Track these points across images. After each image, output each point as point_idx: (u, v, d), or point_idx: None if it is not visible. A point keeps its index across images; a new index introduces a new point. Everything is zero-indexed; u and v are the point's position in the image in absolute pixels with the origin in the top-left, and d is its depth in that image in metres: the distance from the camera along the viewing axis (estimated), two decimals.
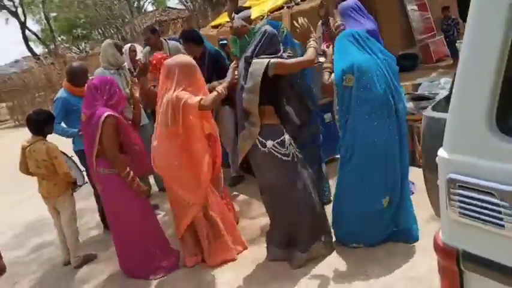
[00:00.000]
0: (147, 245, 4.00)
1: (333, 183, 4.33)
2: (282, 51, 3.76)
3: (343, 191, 3.66)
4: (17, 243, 5.74)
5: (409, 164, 3.60)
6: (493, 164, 1.36)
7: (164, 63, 3.87)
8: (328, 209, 3.88)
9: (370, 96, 3.36)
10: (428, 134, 1.88)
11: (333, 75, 3.50)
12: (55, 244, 4.95)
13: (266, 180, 3.68)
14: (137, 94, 4.31)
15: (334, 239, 3.78)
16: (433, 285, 1.67)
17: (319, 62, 5.46)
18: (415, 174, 3.73)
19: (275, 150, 3.51)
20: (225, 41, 7.57)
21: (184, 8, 28.26)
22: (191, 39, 5.21)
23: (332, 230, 3.79)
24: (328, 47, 4.08)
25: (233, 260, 3.95)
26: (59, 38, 37.74)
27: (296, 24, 3.87)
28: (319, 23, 6.86)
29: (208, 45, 5.49)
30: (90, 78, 4.72)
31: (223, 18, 11.70)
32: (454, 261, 1.50)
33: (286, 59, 3.72)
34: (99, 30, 31.63)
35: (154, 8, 35.54)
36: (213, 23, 13.46)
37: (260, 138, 3.53)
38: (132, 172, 3.87)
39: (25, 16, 35.20)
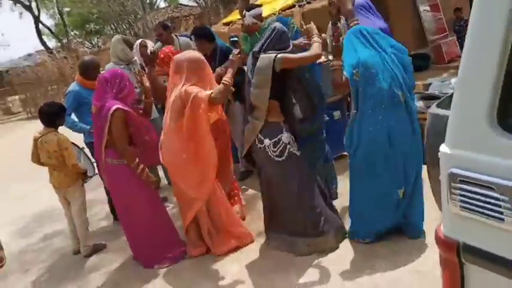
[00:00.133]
0: (154, 235, 4.06)
1: (342, 179, 4.38)
2: (291, 47, 3.79)
3: (353, 184, 3.70)
4: (29, 231, 5.84)
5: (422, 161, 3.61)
6: (494, 159, 1.38)
7: (173, 59, 3.93)
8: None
9: (374, 91, 3.39)
10: (432, 130, 1.91)
11: (344, 72, 3.51)
12: (65, 233, 5.03)
13: (263, 174, 3.83)
14: (147, 84, 4.36)
15: (346, 233, 3.83)
16: (439, 278, 1.70)
17: (328, 60, 5.50)
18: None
19: (269, 150, 3.64)
20: (235, 38, 7.58)
21: (196, 5, 28.30)
22: (203, 36, 5.24)
23: (343, 222, 3.88)
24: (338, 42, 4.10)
25: (238, 248, 4.02)
26: (72, 33, 37.95)
27: (304, 26, 3.90)
28: (330, 23, 6.85)
29: (219, 42, 5.53)
30: (101, 72, 4.78)
31: (235, 15, 11.71)
32: (455, 253, 1.53)
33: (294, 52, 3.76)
34: (112, 25, 31.75)
35: (167, 5, 35.66)
36: (224, 20, 13.48)
37: (259, 135, 3.65)
38: (141, 164, 3.93)
39: (39, 10, 35.46)
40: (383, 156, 3.45)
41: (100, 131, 3.93)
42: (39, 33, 34.97)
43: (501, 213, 1.37)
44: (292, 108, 3.77)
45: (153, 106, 5.06)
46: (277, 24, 3.83)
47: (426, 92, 5.67)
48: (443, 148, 1.55)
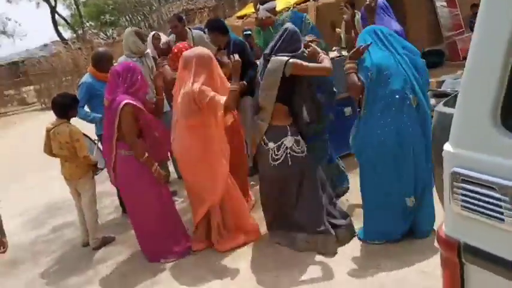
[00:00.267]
0: (162, 228, 4.08)
1: (353, 177, 4.37)
2: (302, 48, 3.76)
3: (362, 185, 3.69)
4: (40, 222, 5.90)
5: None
6: (496, 159, 1.38)
7: (182, 54, 3.93)
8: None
9: (385, 93, 3.36)
10: (438, 128, 1.90)
11: (359, 75, 3.47)
12: (76, 225, 5.08)
13: (264, 173, 3.87)
14: (160, 83, 4.37)
15: (354, 231, 3.82)
16: None
17: (341, 55, 5.47)
18: None
19: (272, 153, 3.66)
20: (249, 32, 7.59)
21: None
22: (217, 29, 5.22)
23: (351, 221, 3.88)
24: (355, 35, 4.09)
25: (243, 246, 4.04)
26: (87, 24, 38.17)
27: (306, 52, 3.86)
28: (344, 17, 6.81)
29: (232, 36, 5.51)
30: (114, 64, 4.80)
31: (249, 9, 11.70)
32: (456, 253, 1.53)
33: (306, 59, 3.73)
34: (127, 17, 31.89)
35: None
36: (238, 14, 13.49)
37: (265, 138, 3.68)
38: (150, 158, 3.94)
39: (55, 1, 35.71)
40: (392, 160, 3.41)
41: (110, 125, 3.95)
42: (55, 24, 35.24)
43: (501, 213, 1.37)
44: (300, 111, 3.78)
45: (165, 100, 5.08)
46: (289, 25, 3.82)
47: (439, 89, 5.62)
48: (447, 147, 1.55)
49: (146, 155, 3.91)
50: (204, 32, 5.72)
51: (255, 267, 3.72)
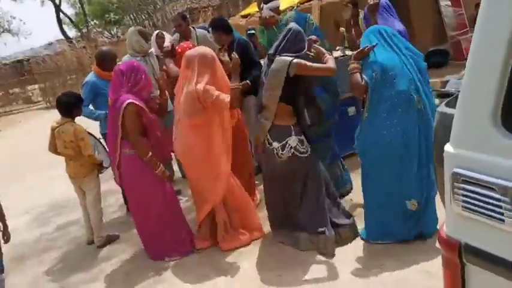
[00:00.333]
0: (166, 227, 4.10)
1: (355, 177, 4.36)
2: (306, 49, 3.77)
3: (364, 186, 3.69)
4: (45, 220, 5.95)
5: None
6: (496, 160, 1.39)
7: (185, 54, 3.95)
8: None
9: (391, 93, 3.35)
10: (440, 129, 1.91)
11: (364, 76, 3.46)
12: (81, 223, 5.10)
13: (268, 172, 3.90)
14: (164, 83, 4.40)
15: (357, 231, 3.82)
16: None
17: (345, 55, 5.47)
18: None
19: (276, 152, 3.67)
20: (252, 31, 7.57)
21: None
22: (221, 28, 5.22)
23: (354, 221, 3.89)
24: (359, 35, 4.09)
25: (247, 245, 4.06)
26: (92, 22, 38.20)
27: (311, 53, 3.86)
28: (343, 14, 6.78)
29: (236, 35, 5.52)
30: (118, 63, 4.82)
31: (253, 8, 11.69)
32: (457, 253, 1.54)
33: (310, 59, 3.74)
34: (131, 15, 31.88)
35: None
36: (242, 13, 13.47)
37: (269, 137, 3.70)
38: (153, 157, 3.96)
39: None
40: (397, 161, 3.41)
41: (114, 124, 3.97)
42: (59, 22, 35.28)
43: (502, 214, 1.38)
44: (303, 111, 3.79)
45: (169, 99, 5.10)
46: (293, 25, 3.81)
47: (443, 89, 5.60)
48: (448, 148, 1.56)
49: (150, 154, 3.93)
50: (208, 31, 5.73)
51: (259, 266, 3.74)
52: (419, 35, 9.04)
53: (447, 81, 5.96)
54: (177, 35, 5.93)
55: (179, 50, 4.64)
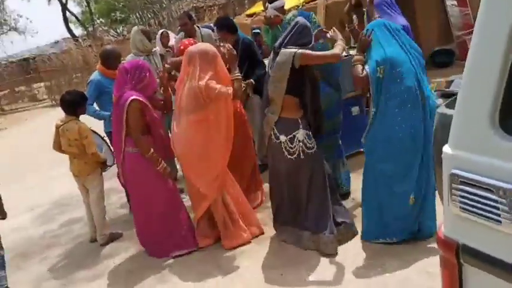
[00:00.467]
0: (169, 225, 4.11)
1: (357, 177, 4.35)
2: (312, 43, 3.77)
3: (368, 184, 3.66)
4: (49, 217, 5.99)
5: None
6: (494, 161, 1.39)
7: (186, 50, 3.96)
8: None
9: (401, 89, 3.34)
10: (439, 130, 1.91)
11: (366, 67, 3.46)
12: (84, 220, 5.13)
13: (275, 168, 3.86)
14: (166, 80, 4.42)
15: (359, 233, 3.80)
16: None
17: (349, 54, 5.45)
18: None
19: (284, 146, 3.65)
20: (257, 30, 7.58)
21: None
22: (225, 27, 5.24)
23: (353, 221, 3.88)
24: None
25: (248, 243, 4.07)
26: (98, 21, 38.27)
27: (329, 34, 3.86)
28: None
29: (240, 34, 5.53)
30: (122, 62, 4.84)
31: (259, 7, 11.69)
32: (454, 254, 1.54)
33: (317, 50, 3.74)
34: (137, 14, 31.91)
35: None
36: (248, 12, 13.47)
37: (275, 130, 3.67)
38: (156, 154, 3.98)
39: None
40: (406, 157, 3.40)
41: (118, 121, 3.99)
42: (66, 21, 35.37)
43: (499, 215, 1.38)
44: (309, 103, 3.77)
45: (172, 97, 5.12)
46: (300, 19, 3.81)
47: (447, 89, 5.57)
48: (446, 149, 1.56)
49: (152, 150, 3.94)
50: (213, 30, 5.74)
51: (261, 264, 3.75)
52: (425, 34, 9.00)
53: (452, 81, 5.93)
54: (181, 34, 5.95)
55: (182, 46, 4.65)
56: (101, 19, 38.56)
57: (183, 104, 3.84)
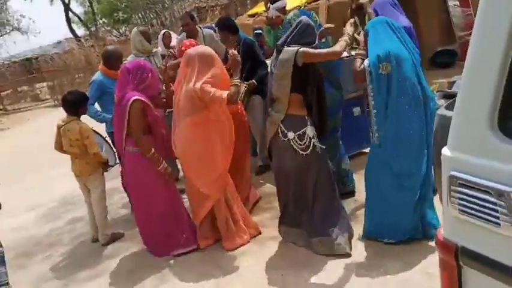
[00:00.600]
0: (169, 225, 4.12)
1: (359, 177, 4.35)
2: (316, 42, 3.76)
3: (374, 182, 3.63)
4: (52, 217, 6.00)
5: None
6: (493, 163, 1.38)
7: (185, 52, 3.96)
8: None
9: (409, 86, 3.35)
10: (439, 131, 1.92)
11: (365, 61, 3.45)
12: (86, 220, 5.14)
13: (282, 168, 3.77)
14: (167, 77, 4.43)
15: (361, 233, 3.79)
16: None
17: (351, 55, 5.45)
18: None
19: (294, 143, 3.59)
20: (259, 31, 7.58)
21: None
22: (227, 28, 5.24)
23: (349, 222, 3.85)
24: (358, 33, 4.08)
25: (247, 243, 4.08)
26: (100, 21, 38.35)
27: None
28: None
29: (242, 35, 5.53)
30: (124, 62, 4.85)
31: (261, 7, 11.68)
32: (453, 256, 1.54)
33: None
34: (140, 14, 31.97)
35: None
36: (250, 12, 13.47)
37: (282, 128, 3.62)
38: (157, 154, 3.98)
39: None
40: (415, 154, 3.40)
41: (120, 121, 4.00)
42: (68, 21, 35.47)
43: (498, 218, 1.38)
44: (315, 103, 3.75)
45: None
46: (303, 18, 3.81)
47: (448, 90, 5.57)
48: (445, 151, 1.56)
49: (152, 151, 3.94)
50: (215, 31, 5.74)
51: (261, 264, 3.75)
52: (427, 35, 9.00)
53: (454, 82, 5.93)
54: (183, 35, 5.95)
55: (183, 47, 4.66)
56: (103, 19, 38.66)
57: (181, 106, 3.84)
